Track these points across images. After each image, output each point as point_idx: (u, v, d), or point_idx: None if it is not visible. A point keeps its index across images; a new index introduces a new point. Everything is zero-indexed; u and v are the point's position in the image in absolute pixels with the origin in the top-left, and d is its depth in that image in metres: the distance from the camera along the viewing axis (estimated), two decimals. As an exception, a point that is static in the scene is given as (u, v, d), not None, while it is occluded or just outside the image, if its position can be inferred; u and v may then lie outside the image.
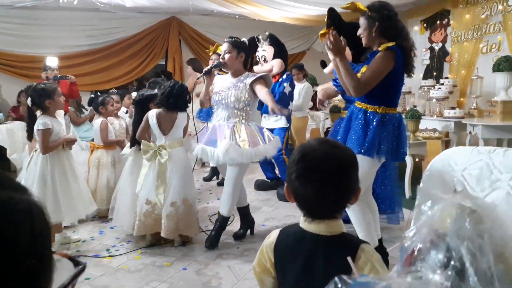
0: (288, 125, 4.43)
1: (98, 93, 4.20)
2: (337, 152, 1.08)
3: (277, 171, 4.75)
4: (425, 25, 6.67)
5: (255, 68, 4.26)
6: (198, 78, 3.36)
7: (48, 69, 5.30)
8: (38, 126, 2.90)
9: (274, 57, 4.29)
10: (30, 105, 2.99)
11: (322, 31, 2.56)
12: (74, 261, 0.64)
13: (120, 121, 4.05)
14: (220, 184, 5.07)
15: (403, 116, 4.50)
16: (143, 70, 7.76)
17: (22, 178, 3.08)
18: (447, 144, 5.29)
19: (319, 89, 3.54)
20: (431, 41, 6.56)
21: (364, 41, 2.57)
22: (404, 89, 6.10)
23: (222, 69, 3.21)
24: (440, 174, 1.64)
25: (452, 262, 0.72)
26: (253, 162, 3.40)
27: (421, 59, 6.75)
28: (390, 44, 2.42)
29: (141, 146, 3.11)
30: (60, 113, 3.29)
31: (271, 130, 4.39)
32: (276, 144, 3.12)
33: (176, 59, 7.91)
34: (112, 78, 7.54)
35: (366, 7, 2.52)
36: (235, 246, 3.19)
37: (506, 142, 4.50)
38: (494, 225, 0.76)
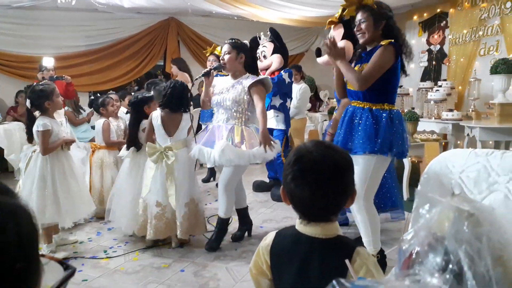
0: (286, 128, 4.42)
1: (98, 94, 4.20)
2: (333, 154, 1.07)
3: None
4: (423, 27, 6.68)
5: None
6: (196, 78, 3.35)
7: (44, 70, 5.29)
8: (37, 127, 2.90)
9: (274, 52, 4.28)
10: (29, 106, 2.99)
11: (330, 19, 2.57)
12: (64, 264, 0.64)
13: (119, 122, 4.04)
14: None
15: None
16: (142, 71, 7.77)
17: (21, 179, 3.08)
18: (445, 146, 5.30)
19: None
20: (429, 43, 6.58)
21: (365, 37, 2.51)
22: (402, 91, 6.14)
23: (222, 70, 3.20)
24: (438, 176, 1.64)
25: (450, 266, 0.72)
26: (251, 164, 3.40)
27: (419, 61, 6.76)
28: (391, 40, 2.42)
29: (147, 149, 3.08)
30: (61, 113, 3.28)
31: (271, 131, 4.40)
32: (277, 147, 3.07)
33: (174, 60, 7.91)
34: (110, 78, 7.53)
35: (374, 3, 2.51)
36: (233, 247, 3.18)
37: (503, 144, 4.51)
38: (492, 228, 0.76)
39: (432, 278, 0.72)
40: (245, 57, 3.10)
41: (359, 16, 2.51)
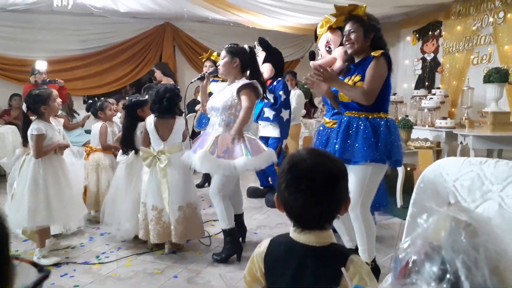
0: (282, 137, 4.40)
1: (96, 98, 4.19)
2: (326, 162, 1.07)
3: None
4: (417, 35, 6.74)
5: None
6: (192, 82, 3.34)
7: (37, 73, 5.27)
8: (32, 131, 2.90)
9: (264, 61, 4.28)
10: (25, 110, 2.98)
11: (329, 24, 2.62)
12: (38, 267, 0.64)
13: (113, 127, 4.03)
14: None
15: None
16: (137, 76, 7.75)
17: (14, 182, 3.05)
18: (438, 154, 5.33)
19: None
20: (423, 52, 6.64)
21: (354, 48, 2.51)
22: (396, 98, 6.18)
23: (218, 75, 3.19)
24: (433, 185, 1.65)
25: (448, 276, 0.72)
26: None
27: (413, 69, 6.82)
28: (382, 51, 2.43)
29: (141, 153, 3.11)
30: (60, 121, 3.27)
31: (266, 139, 4.40)
32: (268, 158, 2.89)
33: (170, 65, 7.90)
34: (105, 83, 7.51)
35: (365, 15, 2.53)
36: (226, 254, 3.16)
37: (496, 152, 4.54)
38: (489, 238, 0.76)
39: (429, 287, 0.72)
40: (240, 61, 3.01)
41: (348, 27, 2.51)
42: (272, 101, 4.22)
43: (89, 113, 4.18)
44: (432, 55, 6.47)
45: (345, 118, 2.56)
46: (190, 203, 3.14)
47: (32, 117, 3.01)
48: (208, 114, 3.16)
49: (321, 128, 2.90)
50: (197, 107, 5.23)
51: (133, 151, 3.34)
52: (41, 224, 2.91)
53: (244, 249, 3.21)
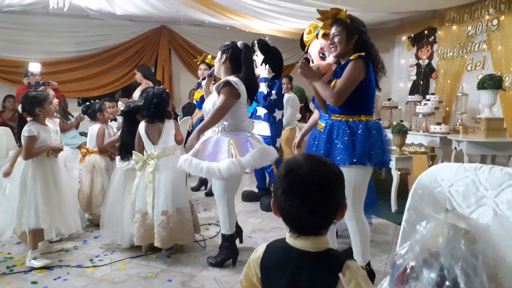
0: (273, 135, 4.41)
1: (92, 101, 4.16)
2: (323, 169, 1.07)
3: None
4: (412, 42, 6.79)
5: None
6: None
7: (30, 75, 5.25)
8: (23, 132, 2.91)
9: (263, 63, 4.30)
10: (20, 111, 2.97)
11: (323, 31, 2.66)
12: None
13: (109, 130, 4.02)
14: (208, 194, 5.05)
15: (390, 131, 4.58)
16: (132, 78, 7.70)
17: (8, 183, 3.04)
18: (432, 159, 5.37)
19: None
20: (417, 58, 6.69)
21: (338, 50, 2.56)
22: (391, 103, 6.22)
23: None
24: (428, 190, 1.66)
25: (447, 283, 0.72)
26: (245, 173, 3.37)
27: (408, 74, 6.87)
28: (361, 53, 2.47)
29: (133, 157, 3.14)
30: (56, 121, 3.26)
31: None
32: (271, 155, 2.85)
33: (165, 68, 7.91)
34: (100, 85, 7.49)
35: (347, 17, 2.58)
36: (221, 258, 3.16)
37: (490, 158, 4.58)
38: (487, 246, 0.77)
39: (428, 293, 0.72)
40: (228, 57, 2.89)
41: (333, 30, 2.57)
42: (264, 102, 4.25)
43: (83, 114, 4.13)
44: (427, 61, 6.52)
45: (329, 122, 2.64)
46: (180, 207, 3.11)
47: (29, 118, 3.00)
48: (204, 116, 3.16)
49: (316, 132, 2.96)
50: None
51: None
52: (27, 225, 2.90)
53: (239, 253, 3.22)
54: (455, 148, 4.56)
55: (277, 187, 1.07)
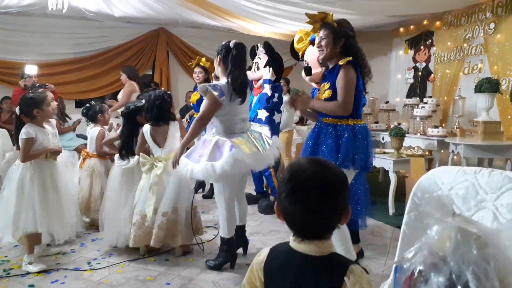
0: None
1: (93, 102, 4.12)
2: (326, 173, 1.07)
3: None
4: (409, 44, 6.82)
5: (248, 74, 4.28)
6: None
7: (27, 77, 5.23)
8: (21, 134, 2.88)
9: (266, 65, 4.32)
10: (18, 113, 2.95)
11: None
12: None
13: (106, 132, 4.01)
14: (206, 196, 5.04)
15: (388, 133, 4.60)
16: (130, 80, 7.71)
17: (6, 185, 3.01)
18: (430, 162, 5.38)
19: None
20: (415, 61, 6.71)
21: (324, 54, 2.61)
22: (388, 106, 6.23)
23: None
24: (428, 193, 1.66)
25: (458, 287, 0.72)
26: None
27: (405, 77, 6.89)
28: (349, 58, 2.52)
29: (140, 159, 3.13)
30: (53, 122, 3.24)
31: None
32: (269, 158, 2.81)
33: (163, 70, 7.90)
34: (97, 87, 7.47)
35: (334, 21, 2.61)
36: (219, 260, 3.15)
37: (487, 161, 4.59)
38: (499, 251, 0.76)
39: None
40: (220, 58, 2.86)
41: (320, 33, 2.63)
42: (267, 104, 4.27)
43: (82, 117, 4.06)
44: (424, 64, 6.54)
45: (318, 124, 2.70)
46: (176, 208, 3.11)
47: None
48: None
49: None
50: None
51: (136, 157, 3.30)
52: (24, 229, 2.86)
53: (237, 256, 3.21)
54: (453, 151, 4.57)
55: (280, 190, 1.07)
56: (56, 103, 3.70)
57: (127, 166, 3.32)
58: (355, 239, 3.11)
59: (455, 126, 5.11)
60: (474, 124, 4.77)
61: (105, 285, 2.72)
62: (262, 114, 4.33)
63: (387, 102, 6.49)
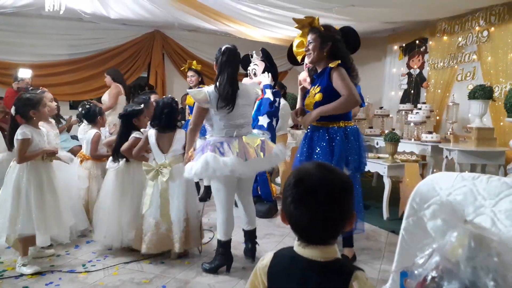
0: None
1: (87, 102, 4.07)
2: (332, 178, 1.07)
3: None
4: (403, 51, 6.89)
5: (245, 80, 4.30)
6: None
7: (20, 80, 5.20)
8: (17, 135, 2.84)
9: (264, 71, 4.35)
10: (13, 114, 2.92)
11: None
12: None
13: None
14: (201, 199, 5.02)
15: (382, 139, 4.63)
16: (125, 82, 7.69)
17: (2, 188, 2.98)
18: (424, 167, 5.42)
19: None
20: (409, 67, 6.77)
21: (311, 58, 2.68)
22: (382, 112, 6.28)
23: None
24: (426, 199, 1.68)
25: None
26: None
27: (399, 83, 6.95)
28: (338, 62, 2.60)
29: (143, 167, 3.13)
30: (53, 123, 3.22)
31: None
32: (199, 169, 2.69)
33: (158, 72, 7.89)
34: (92, 88, 7.42)
35: (321, 26, 2.67)
36: (215, 264, 3.14)
37: (480, 167, 4.65)
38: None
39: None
40: (216, 63, 2.89)
41: (308, 38, 2.70)
42: (270, 108, 4.30)
43: (83, 118, 3.95)
44: (418, 70, 6.60)
45: (310, 128, 2.75)
46: (186, 213, 3.14)
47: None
48: None
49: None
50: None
51: (124, 159, 3.31)
52: (21, 232, 2.83)
53: (233, 259, 3.20)
54: (446, 156, 4.62)
55: (286, 195, 1.07)
56: (56, 103, 3.67)
57: (117, 169, 3.31)
58: (349, 243, 3.13)
59: (448, 132, 5.16)
60: (467, 130, 4.82)
61: (101, 288, 2.70)
62: (264, 120, 4.33)
63: (381, 108, 6.54)
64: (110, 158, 3.38)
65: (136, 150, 3.21)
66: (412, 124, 5.35)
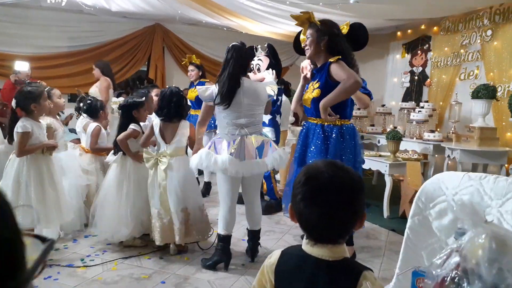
0: (276, 142, 4.42)
1: (85, 96, 4.03)
2: (343, 176, 1.05)
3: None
4: (406, 48, 6.84)
5: (250, 75, 4.27)
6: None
7: (18, 72, 5.16)
8: (17, 128, 2.82)
9: (268, 67, 4.31)
10: (14, 107, 2.89)
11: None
12: (41, 238, 0.61)
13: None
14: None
15: (384, 137, 4.60)
16: (124, 76, 7.63)
17: (1, 181, 2.95)
18: (425, 166, 5.40)
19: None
20: (411, 65, 6.74)
21: (309, 52, 2.66)
22: (384, 110, 6.25)
23: None
24: (433, 198, 1.66)
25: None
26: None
27: (401, 81, 6.91)
28: (339, 57, 2.57)
29: (143, 154, 3.12)
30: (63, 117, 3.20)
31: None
32: (197, 161, 2.79)
33: (158, 66, 7.84)
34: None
35: (318, 21, 2.65)
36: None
37: (481, 166, 4.63)
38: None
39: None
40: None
41: (306, 33, 2.68)
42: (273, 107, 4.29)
43: (83, 112, 3.85)
44: (421, 68, 6.57)
45: (306, 125, 2.73)
46: (185, 207, 3.11)
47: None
48: None
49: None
50: None
51: (122, 152, 3.27)
52: (21, 225, 2.80)
53: (232, 255, 3.18)
54: (448, 156, 4.59)
55: (296, 193, 1.05)
56: (64, 100, 3.63)
57: (116, 162, 3.29)
58: (349, 241, 3.11)
59: (451, 131, 5.14)
60: (470, 130, 4.79)
61: (99, 282, 2.68)
62: (266, 116, 4.32)
63: (383, 106, 6.51)
64: (111, 152, 3.35)
65: (143, 139, 3.19)
66: (414, 122, 5.32)
